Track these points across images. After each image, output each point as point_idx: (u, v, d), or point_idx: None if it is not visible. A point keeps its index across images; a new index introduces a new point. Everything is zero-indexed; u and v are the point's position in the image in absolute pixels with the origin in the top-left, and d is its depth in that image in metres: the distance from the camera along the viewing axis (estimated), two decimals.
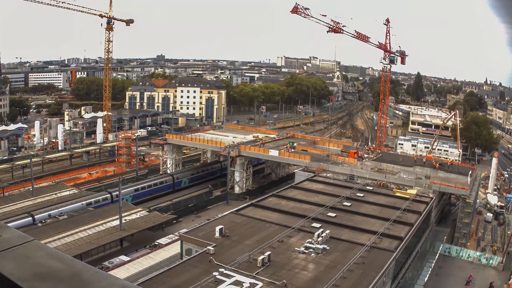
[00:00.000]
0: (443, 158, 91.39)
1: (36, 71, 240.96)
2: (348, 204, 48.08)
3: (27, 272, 3.05)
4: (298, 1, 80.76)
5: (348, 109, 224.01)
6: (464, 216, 58.30)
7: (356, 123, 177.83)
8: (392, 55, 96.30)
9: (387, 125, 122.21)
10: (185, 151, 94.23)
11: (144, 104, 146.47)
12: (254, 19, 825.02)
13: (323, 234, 36.97)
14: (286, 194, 51.49)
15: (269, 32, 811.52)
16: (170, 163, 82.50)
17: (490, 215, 70.70)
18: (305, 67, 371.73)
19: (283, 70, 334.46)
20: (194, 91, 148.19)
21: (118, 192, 53.95)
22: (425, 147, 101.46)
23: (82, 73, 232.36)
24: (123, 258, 44.56)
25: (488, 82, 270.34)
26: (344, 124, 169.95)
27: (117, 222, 50.46)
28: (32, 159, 69.67)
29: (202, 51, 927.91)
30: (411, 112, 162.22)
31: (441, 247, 54.76)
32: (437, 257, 51.47)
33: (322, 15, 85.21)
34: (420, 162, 71.40)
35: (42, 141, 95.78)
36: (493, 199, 75.03)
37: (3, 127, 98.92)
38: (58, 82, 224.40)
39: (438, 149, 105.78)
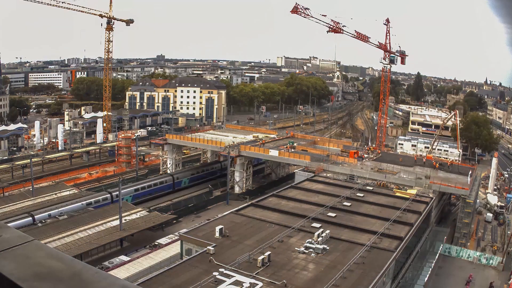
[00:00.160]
0: (443, 158, 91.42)
1: (36, 71, 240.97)
2: (348, 204, 48.07)
3: (27, 272, 3.05)
4: (298, 1, 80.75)
5: (348, 109, 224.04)
6: (464, 216, 58.30)
7: (356, 123, 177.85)
8: (392, 55, 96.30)
9: (387, 125, 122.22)
10: (185, 151, 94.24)
11: (144, 104, 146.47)
12: (254, 19, 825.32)
13: (323, 234, 36.98)
14: (286, 194, 51.49)
15: (269, 32, 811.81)
16: (170, 163, 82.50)
17: (490, 215, 70.69)
18: (305, 67, 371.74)
19: (283, 70, 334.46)
20: (194, 91, 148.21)
21: (118, 192, 53.95)
22: (425, 147, 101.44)
23: (82, 73, 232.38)
24: (123, 258, 44.59)
25: (488, 82, 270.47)
26: (344, 124, 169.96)
27: (117, 222, 50.46)
28: (32, 159, 69.67)
29: (202, 51, 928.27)
30: (411, 112, 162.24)
31: (441, 247, 54.77)
32: (437, 257, 51.47)
33: (322, 15, 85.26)
34: (420, 162, 71.41)
35: (42, 141, 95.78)
36: (493, 199, 75.03)
37: (3, 127, 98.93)
38: (58, 82, 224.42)
39: (438, 149, 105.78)
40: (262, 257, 31.50)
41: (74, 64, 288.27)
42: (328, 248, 35.29)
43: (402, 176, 61.16)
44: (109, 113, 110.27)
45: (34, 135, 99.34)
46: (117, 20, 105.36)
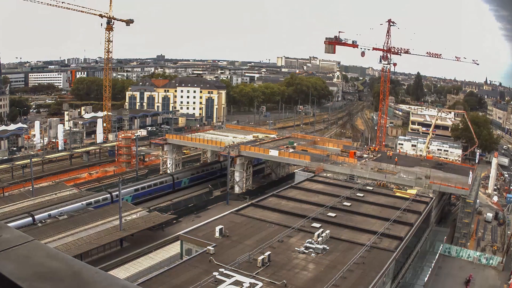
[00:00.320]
0: (443, 158, 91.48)
1: (36, 71, 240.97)
2: (348, 204, 48.08)
3: (27, 272, 3.05)
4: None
5: (348, 109, 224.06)
6: (464, 216, 58.31)
7: (356, 123, 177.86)
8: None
9: (387, 125, 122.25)
10: (185, 151, 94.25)
11: (144, 104, 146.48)
12: (254, 19, 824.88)
13: (323, 234, 36.98)
14: (286, 194, 51.50)
15: (269, 32, 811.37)
16: (170, 163, 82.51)
17: (490, 215, 70.70)
18: (305, 67, 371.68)
19: (283, 70, 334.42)
20: (194, 91, 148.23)
21: (118, 192, 53.95)
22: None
23: (82, 73, 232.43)
24: None
25: (488, 82, 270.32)
26: (344, 124, 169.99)
27: (117, 222, 50.45)
28: (32, 159, 69.65)
29: (202, 51, 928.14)
30: (411, 112, 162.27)
31: (441, 247, 54.79)
32: (437, 257, 51.50)
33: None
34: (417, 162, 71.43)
35: (42, 141, 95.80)
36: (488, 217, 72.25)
37: (3, 127, 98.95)
38: (58, 82, 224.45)
39: (438, 149, 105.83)
40: (262, 257, 31.50)
41: (74, 64, 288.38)
42: (328, 248, 35.30)
43: (402, 176, 61.17)
44: (109, 113, 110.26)
45: (34, 135, 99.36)
46: (117, 20, 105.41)
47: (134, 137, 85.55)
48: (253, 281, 28.33)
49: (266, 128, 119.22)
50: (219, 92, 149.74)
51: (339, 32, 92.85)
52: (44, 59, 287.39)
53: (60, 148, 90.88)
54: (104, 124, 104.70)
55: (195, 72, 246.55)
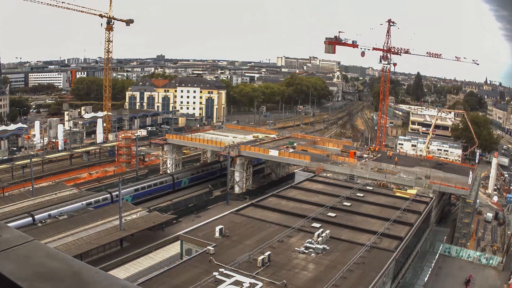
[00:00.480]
0: (443, 158, 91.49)
1: (36, 71, 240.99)
2: (348, 204, 48.08)
3: (27, 272, 3.05)
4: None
5: (348, 109, 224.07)
6: (464, 216, 58.31)
7: (356, 123, 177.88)
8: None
9: (387, 125, 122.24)
10: (185, 151, 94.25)
11: (144, 104, 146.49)
12: (254, 19, 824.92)
13: (323, 234, 36.98)
14: (286, 194, 51.50)
15: (269, 32, 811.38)
16: (170, 163, 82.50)
17: (490, 215, 70.71)
18: (305, 67, 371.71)
19: (283, 70, 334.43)
20: (194, 91, 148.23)
21: (118, 192, 53.95)
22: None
23: (82, 73, 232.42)
24: None
25: (488, 82, 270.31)
26: (344, 124, 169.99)
27: (117, 222, 50.45)
28: (32, 159, 69.66)
29: (202, 51, 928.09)
30: (411, 112, 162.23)
31: (441, 247, 54.78)
32: (437, 257, 51.50)
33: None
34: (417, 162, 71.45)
35: (42, 141, 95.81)
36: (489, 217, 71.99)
37: (3, 127, 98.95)
38: (58, 82, 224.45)
39: (438, 149, 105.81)
40: (262, 257, 31.50)
41: (74, 64, 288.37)
42: (328, 248, 35.29)
43: (402, 176, 61.16)
44: (109, 113, 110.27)
45: (34, 135, 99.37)
46: (117, 20, 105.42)
47: (134, 137, 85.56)
48: (253, 281, 28.33)
49: (266, 128, 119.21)
50: (219, 92, 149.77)
51: (339, 32, 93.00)
52: (44, 59, 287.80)
53: (60, 148, 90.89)
54: (104, 124, 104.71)
55: (195, 72, 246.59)
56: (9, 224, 4.14)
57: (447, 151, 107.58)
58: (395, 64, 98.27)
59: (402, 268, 42.48)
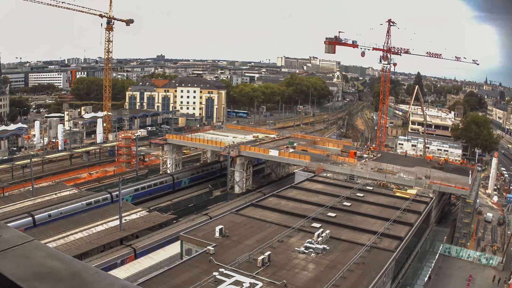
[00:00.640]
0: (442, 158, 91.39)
1: (36, 71, 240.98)
2: (348, 204, 48.07)
3: (27, 272, 3.05)
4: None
5: (348, 109, 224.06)
6: (464, 216, 58.31)
7: (356, 123, 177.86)
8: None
9: (387, 125, 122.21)
10: (185, 151, 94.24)
11: (144, 104, 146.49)
12: (254, 19, 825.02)
13: (323, 234, 36.97)
14: (286, 194, 51.48)
15: (269, 32, 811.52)
16: (170, 163, 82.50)
17: (490, 215, 70.72)
18: (305, 67, 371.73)
19: (283, 70, 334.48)
20: (194, 91, 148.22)
21: (118, 192, 53.95)
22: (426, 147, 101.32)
23: (82, 73, 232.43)
24: None
25: (488, 82, 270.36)
26: (344, 124, 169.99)
27: (117, 222, 50.47)
28: (32, 159, 69.66)
29: (202, 51, 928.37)
30: (410, 112, 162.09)
31: (441, 247, 54.76)
32: (437, 257, 51.47)
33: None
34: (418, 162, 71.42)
35: (42, 141, 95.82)
36: (488, 217, 72.09)
37: (3, 127, 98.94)
38: (58, 82, 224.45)
39: (438, 149, 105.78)
40: (262, 257, 31.48)
41: (74, 64, 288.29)
42: (328, 248, 35.28)
43: (402, 176, 61.15)
44: (109, 113, 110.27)
45: (34, 135, 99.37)
46: (117, 20, 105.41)
47: (134, 137, 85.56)
48: (253, 281, 28.32)
49: (266, 128, 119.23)
50: (219, 92, 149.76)
51: (339, 32, 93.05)
52: (44, 59, 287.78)
53: (60, 148, 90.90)
54: (104, 124, 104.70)
55: (195, 72, 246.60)
56: (9, 224, 4.14)
57: (447, 151, 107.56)
58: (395, 64, 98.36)
59: (402, 268, 42.48)
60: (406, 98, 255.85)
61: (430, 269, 47.32)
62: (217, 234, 36.37)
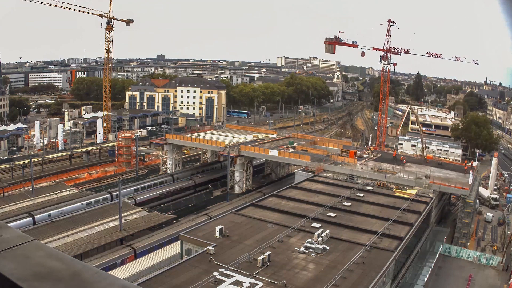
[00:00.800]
0: (443, 158, 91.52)
1: (36, 71, 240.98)
2: (348, 204, 48.07)
3: (27, 272, 3.05)
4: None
5: (348, 109, 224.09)
6: (464, 216, 58.30)
7: (356, 123, 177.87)
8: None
9: (387, 125, 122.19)
10: (185, 151, 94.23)
11: (144, 104, 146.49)
12: (254, 19, 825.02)
13: (323, 234, 36.97)
14: (286, 194, 51.48)
15: (269, 32, 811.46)
16: (170, 163, 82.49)
17: (490, 215, 70.77)
18: (305, 67, 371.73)
19: (283, 70, 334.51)
20: (194, 91, 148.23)
21: (118, 192, 53.93)
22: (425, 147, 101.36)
23: (82, 73, 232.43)
24: None
25: (488, 82, 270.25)
26: (344, 124, 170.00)
27: (117, 222, 50.47)
28: (32, 159, 69.67)
29: (202, 51, 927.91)
30: (410, 112, 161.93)
31: (441, 247, 54.76)
32: (437, 257, 51.46)
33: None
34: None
35: (42, 141, 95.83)
36: (485, 192, 74.97)
37: (3, 127, 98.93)
38: (58, 82, 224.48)
39: (438, 149, 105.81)
40: (262, 257, 31.49)
41: (74, 64, 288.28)
42: (328, 248, 35.28)
43: (402, 176, 61.15)
44: (109, 113, 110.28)
45: (34, 135, 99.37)
46: (117, 20, 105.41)
47: (134, 137, 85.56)
48: (253, 281, 28.32)
49: (266, 128, 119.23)
50: (219, 92, 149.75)
51: (339, 32, 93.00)
52: (44, 59, 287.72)
53: (60, 148, 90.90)
54: (104, 124, 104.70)
55: (195, 72, 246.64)
56: (9, 224, 4.14)
57: (447, 151, 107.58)
58: (395, 64, 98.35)
59: (402, 268, 42.48)
60: (406, 98, 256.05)
61: (430, 269, 47.32)
62: (217, 234, 36.37)
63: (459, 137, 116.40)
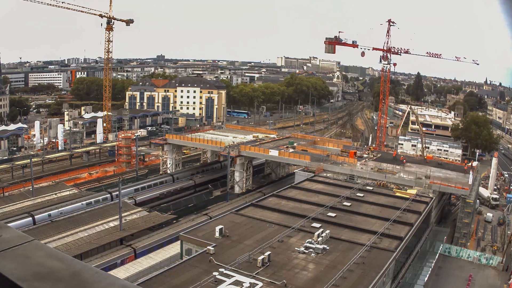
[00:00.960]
0: (443, 158, 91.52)
1: (36, 71, 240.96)
2: (348, 204, 48.07)
3: (27, 272, 3.05)
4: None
5: (348, 109, 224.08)
6: (464, 216, 58.30)
7: (356, 123, 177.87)
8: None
9: (387, 125, 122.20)
10: (185, 151, 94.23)
11: (144, 104, 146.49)
12: (254, 19, 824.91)
13: (323, 234, 36.97)
14: (286, 194, 51.48)
15: (269, 32, 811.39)
16: (170, 163, 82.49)
17: (490, 215, 70.77)
18: (305, 67, 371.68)
19: (283, 70, 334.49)
20: (194, 91, 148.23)
21: (118, 192, 53.94)
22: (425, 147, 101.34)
23: (82, 73, 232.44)
24: None
25: (488, 82, 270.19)
26: (344, 124, 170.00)
27: (117, 222, 50.46)
28: (32, 159, 69.66)
29: (202, 51, 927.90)
30: (410, 112, 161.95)
31: (441, 247, 54.77)
32: (437, 257, 51.47)
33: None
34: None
35: (42, 141, 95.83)
36: (485, 192, 75.07)
37: (3, 127, 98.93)
38: (58, 82, 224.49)
39: (438, 149, 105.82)
40: (262, 257, 31.49)
41: (74, 64, 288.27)
42: (328, 248, 35.28)
43: (402, 176, 61.15)
44: (109, 113, 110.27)
45: (34, 135, 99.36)
46: (117, 20, 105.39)
47: (134, 137, 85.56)
48: (253, 281, 28.32)
49: (266, 128, 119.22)
50: (219, 92, 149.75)
51: (339, 32, 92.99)
52: (44, 59, 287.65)
53: (60, 148, 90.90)
54: (104, 124, 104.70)
55: (195, 72, 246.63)
56: (9, 224, 4.14)
57: (447, 151, 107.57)
58: (395, 64, 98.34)
59: (402, 268, 42.48)
60: (406, 98, 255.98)
61: (430, 269, 47.32)
62: (217, 234, 36.38)
63: (459, 137, 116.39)
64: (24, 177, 73.23)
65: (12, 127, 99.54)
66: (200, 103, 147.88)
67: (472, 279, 48.47)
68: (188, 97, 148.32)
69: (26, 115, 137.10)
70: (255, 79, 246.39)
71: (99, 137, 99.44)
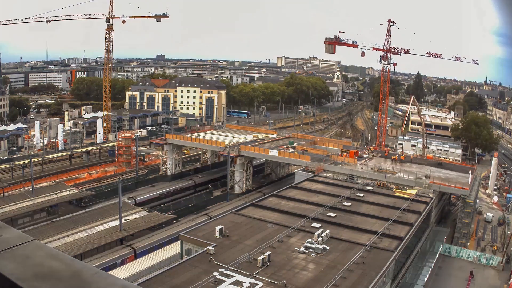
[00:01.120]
0: (443, 158, 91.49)
1: (36, 71, 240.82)
2: (348, 204, 48.07)
3: (27, 272, 3.05)
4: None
5: (348, 109, 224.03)
6: (464, 216, 58.30)
7: (356, 123, 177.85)
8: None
9: (387, 125, 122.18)
10: (185, 151, 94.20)
11: (144, 104, 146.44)
12: (254, 19, 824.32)
13: (323, 234, 36.97)
14: (286, 194, 51.49)
15: (269, 32, 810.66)
16: (170, 163, 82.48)
17: (490, 215, 70.69)
18: (305, 67, 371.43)
19: (283, 70, 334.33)
20: (194, 91, 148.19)
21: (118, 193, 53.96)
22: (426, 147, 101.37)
23: (82, 73, 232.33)
24: None
25: (488, 82, 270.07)
26: (344, 124, 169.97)
27: (117, 222, 50.46)
28: (32, 159, 69.64)
29: (202, 51, 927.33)
30: (410, 112, 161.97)
31: (441, 247, 54.77)
32: (437, 257, 51.47)
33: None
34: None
35: (42, 141, 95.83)
36: (488, 217, 71.74)
37: (3, 127, 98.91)
38: (58, 82, 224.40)
39: (438, 149, 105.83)
40: (262, 257, 31.50)
41: (74, 64, 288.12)
42: (328, 248, 35.29)
43: (402, 176, 61.14)
44: (109, 113, 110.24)
45: (34, 135, 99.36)
46: (116, 18, 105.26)
47: (134, 137, 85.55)
48: (253, 281, 28.33)
49: (266, 128, 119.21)
50: (219, 92, 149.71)
51: (339, 32, 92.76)
52: (44, 59, 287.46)
53: (60, 148, 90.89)
54: (104, 124, 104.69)
55: (195, 72, 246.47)
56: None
57: (447, 151, 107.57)
58: (395, 64, 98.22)
59: (402, 268, 42.48)
60: (406, 98, 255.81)
61: (430, 269, 47.31)
62: (217, 234, 36.38)
63: (459, 137, 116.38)
64: (24, 177, 73.21)
65: (12, 127, 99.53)
66: (200, 103, 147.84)
67: (472, 279, 48.40)
68: (188, 97, 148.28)
69: (26, 115, 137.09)
70: (255, 79, 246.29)
71: (99, 137, 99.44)
